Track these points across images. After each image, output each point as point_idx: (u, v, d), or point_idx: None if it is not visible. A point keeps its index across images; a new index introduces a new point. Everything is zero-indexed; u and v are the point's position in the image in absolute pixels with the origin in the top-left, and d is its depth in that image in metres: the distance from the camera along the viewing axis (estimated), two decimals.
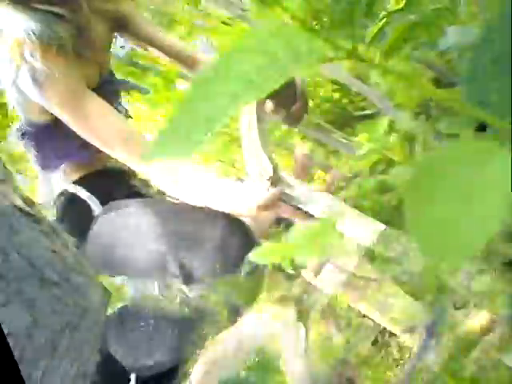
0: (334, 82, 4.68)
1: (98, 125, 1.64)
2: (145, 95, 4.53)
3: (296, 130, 4.23)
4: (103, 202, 1.94)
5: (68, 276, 0.87)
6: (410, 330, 1.56)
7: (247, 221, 1.80)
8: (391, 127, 2.44)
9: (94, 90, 1.76)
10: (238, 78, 0.40)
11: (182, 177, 1.68)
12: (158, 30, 2.18)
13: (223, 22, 5.96)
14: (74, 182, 1.96)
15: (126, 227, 1.82)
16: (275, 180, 1.65)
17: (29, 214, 0.87)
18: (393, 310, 1.61)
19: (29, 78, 1.63)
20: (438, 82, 3.39)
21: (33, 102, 1.71)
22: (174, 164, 1.67)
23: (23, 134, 1.94)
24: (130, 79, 4.43)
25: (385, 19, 1.45)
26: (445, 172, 0.38)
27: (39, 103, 1.70)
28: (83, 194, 1.91)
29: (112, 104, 1.85)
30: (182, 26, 5.45)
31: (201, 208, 1.72)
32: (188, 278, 1.73)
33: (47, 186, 1.94)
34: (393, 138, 2.20)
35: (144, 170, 1.76)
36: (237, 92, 0.39)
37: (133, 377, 1.80)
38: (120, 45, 5.99)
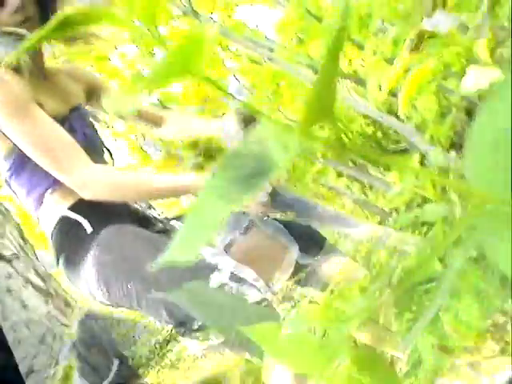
0: (367, 117, 4.68)
1: (40, 134, 1.68)
2: None
3: (331, 166, 4.22)
4: (101, 225, 1.91)
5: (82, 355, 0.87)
6: None
7: None
8: (422, 163, 2.42)
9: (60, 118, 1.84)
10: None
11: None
12: None
13: (253, 61, 6.02)
14: (70, 209, 1.92)
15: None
16: None
17: (42, 289, 0.86)
18: None
19: None
20: (469, 112, 3.36)
21: None
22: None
23: (6, 180, 1.94)
24: None
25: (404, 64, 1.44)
26: None
27: None
28: (79, 218, 1.89)
29: (76, 131, 1.89)
30: (212, 66, 5.50)
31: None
32: (179, 326, 1.72)
33: (47, 220, 1.93)
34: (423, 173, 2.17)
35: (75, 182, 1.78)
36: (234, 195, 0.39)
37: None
38: None
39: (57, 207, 1.91)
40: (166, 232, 1.97)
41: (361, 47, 5.28)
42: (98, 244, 1.86)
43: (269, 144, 0.40)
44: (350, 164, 4.79)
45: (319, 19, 4.08)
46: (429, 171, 2.04)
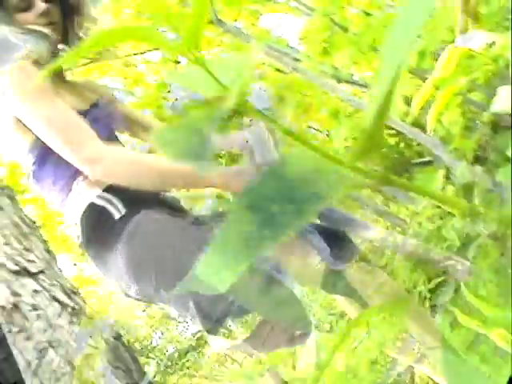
0: (390, 127, 4.65)
1: (53, 116, 1.74)
2: None
3: None
4: (131, 212, 1.89)
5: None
6: None
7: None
8: (447, 177, 2.39)
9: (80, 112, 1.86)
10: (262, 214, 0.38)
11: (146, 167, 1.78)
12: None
13: (278, 70, 6.02)
14: (99, 196, 1.90)
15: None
16: None
17: (67, 306, 0.85)
18: None
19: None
20: (495, 125, 3.32)
21: (15, 126, 1.80)
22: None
23: (32, 173, 1.96)
24: None
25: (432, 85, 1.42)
26: None
27: (16, 118, 1.78)
28: (108, 204, 1.87)
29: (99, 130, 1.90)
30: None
31: None
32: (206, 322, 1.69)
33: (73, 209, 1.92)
34: (449, 189, 2.15)
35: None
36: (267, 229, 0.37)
37: None
38: (175, 97, 6.10)
39: (85, 194, 1.89)
40: (198, 222, 1.91)
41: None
42: (128, 233, 1.82)
43: (311, 176, 0.38)
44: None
45: (345, 29, 4.07)
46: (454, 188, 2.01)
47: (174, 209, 1.94)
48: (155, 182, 1.76)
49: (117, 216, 1.82)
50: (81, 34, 2.07)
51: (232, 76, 0.43)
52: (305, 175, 0.40)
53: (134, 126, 2.24)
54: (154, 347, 11.44)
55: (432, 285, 3.08)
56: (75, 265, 9.25)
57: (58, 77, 2.00)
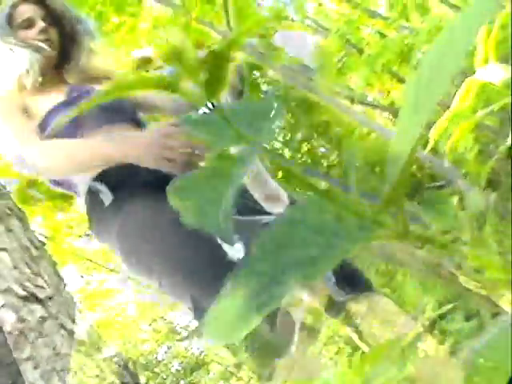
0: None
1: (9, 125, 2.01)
2: None
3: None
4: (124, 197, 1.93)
5: None
6: None
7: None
8: (460, 203, 2.36)
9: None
10: (285, 258, 0.36)
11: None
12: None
13: (291, 88, 6.02)
14: (93, 180, 1.96)
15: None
16: None
17: (73, 333, 0.84)
18: None
19: None
20: (510, 151, 3.29)
21: None
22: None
23: None
24: None
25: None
26: None
27: None
28: (101, 188, 1.93)
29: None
30: (250, 91, 5.51)
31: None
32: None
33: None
34: (461, 215, 2.12)
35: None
36: (288, 274, 0.35)
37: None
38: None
39: (83, 179, 1.96)
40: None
41: (400, 79, 5.25)
42: (118, 225, 1.87)
43: (330, 227, 0.36)
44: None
45: (360, 50, 4.06)
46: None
47: (160, 186, 1.90)
48: (70, 167, 1.88)
49: (106, 203, 1.88)
50: (80, 55, 2.27)
51: (254, 126, 0.41)
52: (323, 225, 0.38)
53: (150, 110, 2.34)
54: (160, 362, 11.40)
55: (442, 310, 3.05)
56: (82, 277, 9.26)
57: (56, 75, 2.22)
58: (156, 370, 11.08)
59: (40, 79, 2.12)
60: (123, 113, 2.08)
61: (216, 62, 0.42)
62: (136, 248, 1.84)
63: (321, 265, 0.36)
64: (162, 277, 1.79)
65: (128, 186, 1.89)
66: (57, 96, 2.08)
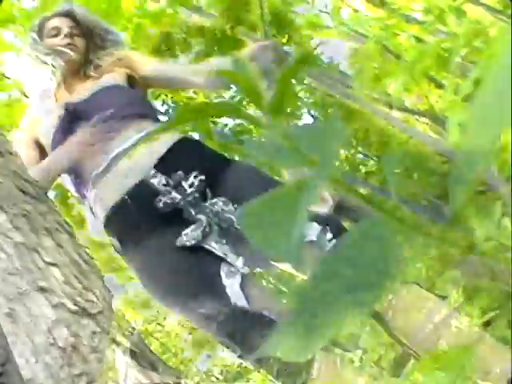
0: (442, 154, 4.58)
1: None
2: None
3: (405, 206, 4.14)
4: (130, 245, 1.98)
5: None
6: None
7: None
8: (503, 209, 2.34)
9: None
10: (338, 284, 0.35)
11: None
12: (161, 67, 2.46)
13: (328, 95, 6.01)
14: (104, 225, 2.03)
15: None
16: None
17: (126, 349, 0.84)
18: None
19: None
20: None
21: None
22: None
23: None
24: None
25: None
26: None
27: None
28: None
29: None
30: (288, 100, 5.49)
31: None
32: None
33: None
34: (504, 222, 2.10)
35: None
36: (349, 300, 0.34)
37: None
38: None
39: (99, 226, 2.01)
40: (188, 243, 1.92)
41: (438, 84, 5.21)
42: (134, 269, 1.93)
43: (389, 247, 0.36)
44: (424, 202, 4.69)
45: (397, 56, 4.04)
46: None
47: (173, 217, 1.93)
48: (46, 178, 1.92)
49: (118, 251, 1.93)
50: (98, 61, 2.36)
51: (320, 148, 0.41)
52: (385, 246, 0.37)
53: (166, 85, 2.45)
54: (199, 370, 11.42)
55: (487, 317, 3.01)
56: (123, 286, 9.31)
57: (71, 73, 2.29)
58: (196, 378, 11.10)
59: (63, 85, 2.23)
60: (127, 109, 2.08)
61: (279, 89, 0.42)
62: (153, 293, 1.90)
63: (379, 290, 0.35)
64: (184, 313, 1.85)
65: (130, 237, 1.92)
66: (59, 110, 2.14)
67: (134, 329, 0.92)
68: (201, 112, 0.44)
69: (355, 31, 5.44)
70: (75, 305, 0.86)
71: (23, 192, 1.16)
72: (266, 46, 2.07)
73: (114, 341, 0.84)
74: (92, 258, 1.08)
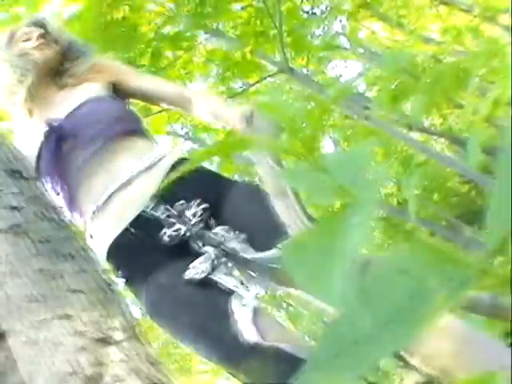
0: (462, 175, 4.56)
1: None
2: None
3: (423, 226, 4.11)
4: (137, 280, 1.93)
5: None
6: None
7: None
8: None
9: None
10: (385, 303, 0.34)
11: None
12: (149, 80, 2.41)
13: (346, 117, 6.01)
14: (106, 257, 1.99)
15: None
16: None
17: (150, 377, 0.83)
18: None
19: None
20: None
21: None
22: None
23: None
24: None
25: None
26: None
27: None
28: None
29: None
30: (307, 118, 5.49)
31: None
32: None
33: None
34: None
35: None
36: (386, 320, 0.34)
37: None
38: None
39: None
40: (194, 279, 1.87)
41: (456, 105, 5.19)
42: (144, 306, 1.88)
43: (426, 278, 0.35)
44: (443, 223, 4.66)
45: (416, 77, 4.03)
46: None
47: (177, 250, 1.89)
48: None
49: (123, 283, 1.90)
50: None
51: (353, 177, 0.41)
52: (421, 280, 0.36)
53: (158, 101, 2.37)
54: None
55: None
56: (140, 308, 9.29)
57: (45, 81, 2.27)
58: None
59: (33, 91, 2.21)
60: (116, 125, 2.05)
61: (312, 124, 0.42)
62: (165, 329, 1.85)
63: (416, 326, 0.34)
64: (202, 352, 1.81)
65: (134, 268, 1.89)
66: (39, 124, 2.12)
67: (158, 360, 0.91)
68: (238, 146, 0.44)
69: (372, 52, 5.45)
70: (98, 332, 0.86)
71: (44, 217, 1.16)
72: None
73: (138, 369, 0.84)
74: (115, 283, 1.08)
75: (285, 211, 1.56)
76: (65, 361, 0.83)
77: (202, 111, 2.12)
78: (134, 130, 2.08)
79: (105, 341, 0.84)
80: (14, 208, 1.11)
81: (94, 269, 1.02)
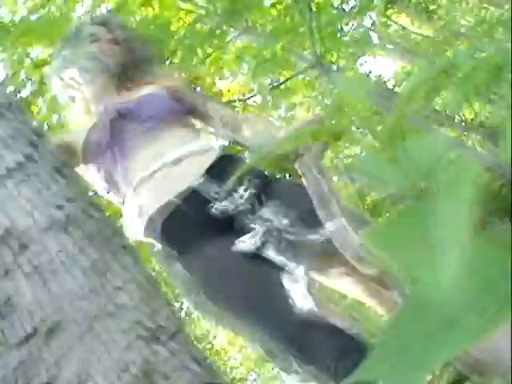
0: (491, 170, 4.52)
1: None
2: None
3: None
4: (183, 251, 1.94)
5: None
6: None
7: None
8: None
9: None
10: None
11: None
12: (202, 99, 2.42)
13: (376, 113, 5.97)
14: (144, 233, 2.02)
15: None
16: None
17: (198, 375, 0.84)
18: None
19: None
20: None
21: None
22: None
23: None
24: None
25: None
26: None
27: None
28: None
29: None
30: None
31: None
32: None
33: None
34: None
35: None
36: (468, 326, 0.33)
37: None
38: None
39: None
40: (253, 233, 1.87)
41: (489, 100, 5.15)
42: (187, 271, 1.89)
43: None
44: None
45: (447, 71, 4.01)
46: None
47: (225, 223, 1.89)
48: None
49: (161, 257, 1.92)
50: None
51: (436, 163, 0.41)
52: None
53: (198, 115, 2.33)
54: None
55: None
56: (173, 306, 9.35)
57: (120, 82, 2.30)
58: None
59: (100, 93, 2.24)
60: (169, 115, 2.10)
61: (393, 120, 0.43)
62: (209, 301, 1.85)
63: (476, 332, 0.33)
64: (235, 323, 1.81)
65: (185, 245, 1.89)
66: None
67: (206, 357, 0.92)
68: (316, 136, 0.45)
69: (403, 48, 5.42)
70: (146, 330, 0.87)
71: (88, 214, 1.17)
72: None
73: (186, 367, 0.85)
74: (157, 280, 1.08)
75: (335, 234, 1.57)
76: (116, 358, 0.84)
77: (250, 134, 2.16)
78: (186, 122, 2.16)
79: (152, 338, 0.85)
80: (60, 206, 1.13)
81: (136, 266, 1.03)
